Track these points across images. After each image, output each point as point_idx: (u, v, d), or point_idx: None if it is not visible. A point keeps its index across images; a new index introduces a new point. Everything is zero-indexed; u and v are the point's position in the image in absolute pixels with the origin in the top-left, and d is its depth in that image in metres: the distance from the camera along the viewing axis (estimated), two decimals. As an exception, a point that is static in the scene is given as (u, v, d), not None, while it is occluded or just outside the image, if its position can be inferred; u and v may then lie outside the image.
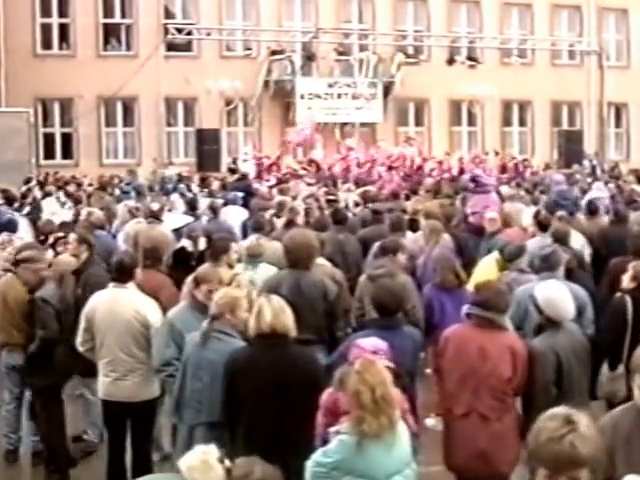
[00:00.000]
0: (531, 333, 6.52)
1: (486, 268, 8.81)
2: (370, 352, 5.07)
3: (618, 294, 7.20)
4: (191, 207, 13.27)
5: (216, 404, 5.51)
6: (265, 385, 5.22)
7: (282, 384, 5.18)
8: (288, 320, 5.36)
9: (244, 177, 20.45)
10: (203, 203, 13.45)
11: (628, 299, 7.13)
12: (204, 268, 7.01)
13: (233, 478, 3.36)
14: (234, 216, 12.86)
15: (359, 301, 7.86)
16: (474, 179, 14.11)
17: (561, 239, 9.11)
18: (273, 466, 3.46)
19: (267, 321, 5.30)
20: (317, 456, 4.52)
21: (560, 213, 11.39)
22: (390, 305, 6.02)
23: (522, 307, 6.87)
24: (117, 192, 17.65)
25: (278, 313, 5.34)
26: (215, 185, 18.97)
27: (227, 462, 3.46)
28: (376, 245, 9.24)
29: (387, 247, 8.56)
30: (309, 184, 19.96)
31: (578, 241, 10.07)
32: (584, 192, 15.46)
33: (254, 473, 3.38)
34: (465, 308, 5.91)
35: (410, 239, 10.34)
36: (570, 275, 7.86)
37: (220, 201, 13.72)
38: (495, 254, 8.95)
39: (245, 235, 11.01)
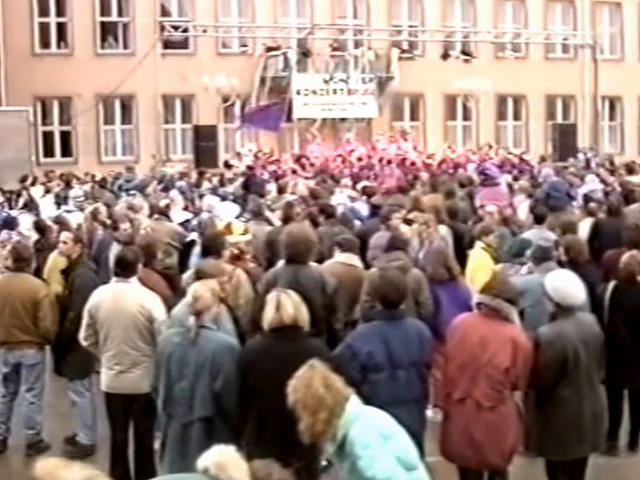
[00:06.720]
0: (531, 324, 6.60)
1: (479, 259, 8.97)
2: None
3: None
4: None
5: (208, 399, 5.54)
6: (280, 376, 5.04)
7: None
8: (306, 314, 5.44)
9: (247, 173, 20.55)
10: (206, 200, 13.57)
11: (607, 295, 7.26)
12: (208, 262, 7.00)
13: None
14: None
15: (368, 294, 7.75)
16: (483, 172, 14.20)
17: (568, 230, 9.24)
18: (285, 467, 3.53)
19: (290, 314, 5.34)
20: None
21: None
22: (393, 297, 5.87)
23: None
24: (118, 189, 17.73)
25: (298, 306, 5.41)
26: (214, 181, 19.09)
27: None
28: (376, 237, 9.29)
29: (401, 241, 8.61)
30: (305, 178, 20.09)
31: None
32: (571, 185, 15.50)
33: (273, 474, 3.46)
34: (475, 298, 6.04)
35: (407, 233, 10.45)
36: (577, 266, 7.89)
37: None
38: (479, 244, 9.09)
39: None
